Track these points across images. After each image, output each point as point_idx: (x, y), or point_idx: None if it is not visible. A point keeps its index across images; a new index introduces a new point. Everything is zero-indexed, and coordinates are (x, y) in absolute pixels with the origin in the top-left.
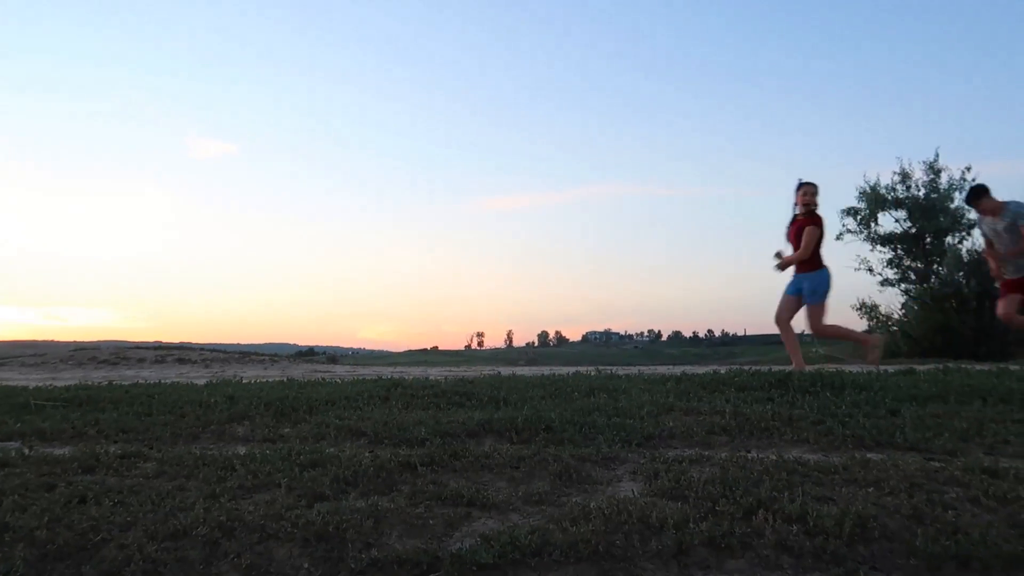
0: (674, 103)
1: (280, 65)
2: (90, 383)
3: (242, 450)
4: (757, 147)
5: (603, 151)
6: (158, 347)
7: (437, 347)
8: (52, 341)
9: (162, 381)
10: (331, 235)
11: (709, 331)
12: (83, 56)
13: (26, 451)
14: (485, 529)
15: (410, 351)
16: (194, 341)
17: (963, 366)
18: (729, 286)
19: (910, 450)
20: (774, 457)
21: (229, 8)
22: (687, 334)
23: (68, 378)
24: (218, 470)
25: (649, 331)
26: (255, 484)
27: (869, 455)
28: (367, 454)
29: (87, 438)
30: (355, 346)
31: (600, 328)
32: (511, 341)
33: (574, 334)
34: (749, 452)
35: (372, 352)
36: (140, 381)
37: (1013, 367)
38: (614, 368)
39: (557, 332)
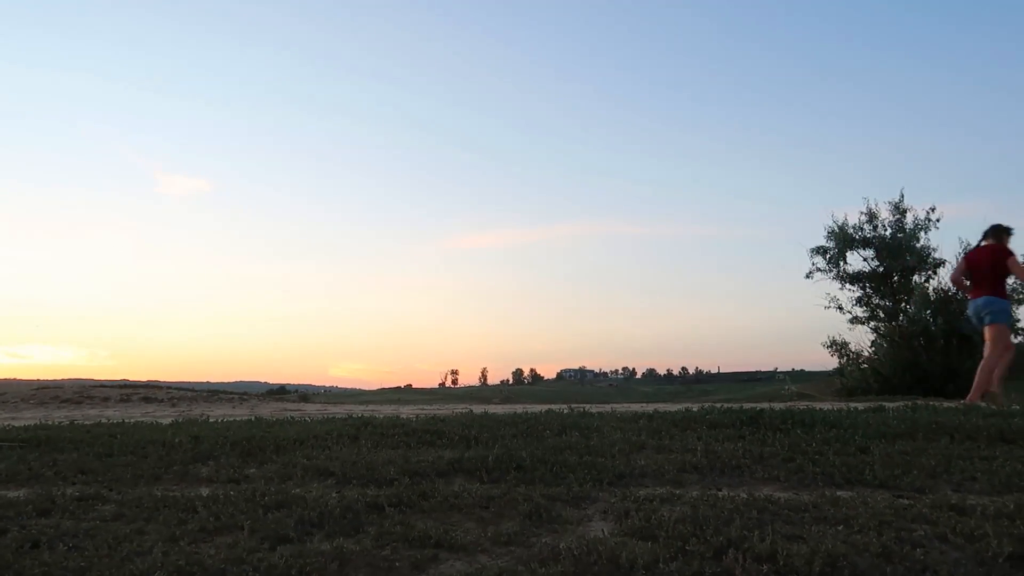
0: (643, 142)
1: (255, 101)
2: (51, 423)
3: (205, 491)
4: (727, 186)
5: (575, 190)
6: (123, 386)
7: (411, 385)
8: (14, 380)
9: (126, 420)
10: (301, 272)
11: (683, 369)
12: (41, 88)
13: None
14: (452, 571)
15: (383, 389)
16: (161, 379)
17: (931, 403)
18: (703, 324)
19: (879, 487)
20: (745, 495)
21: (200, 37)
22: (661, 372)
23: (29, 418)
24: (179, 512)
25: (624, 368)
26: (217, 526)
27: (839, 493)
28: (334, 495)
29: (44, 480)
30: (327, 384)
31: (575, 366)
32: (486, 379)
33: (549, 372)
34: (720, 490)
35: (345, 390)
36: (103, 421)
37: (980, 404)
38: (587, 406)
39: (532, 370)
